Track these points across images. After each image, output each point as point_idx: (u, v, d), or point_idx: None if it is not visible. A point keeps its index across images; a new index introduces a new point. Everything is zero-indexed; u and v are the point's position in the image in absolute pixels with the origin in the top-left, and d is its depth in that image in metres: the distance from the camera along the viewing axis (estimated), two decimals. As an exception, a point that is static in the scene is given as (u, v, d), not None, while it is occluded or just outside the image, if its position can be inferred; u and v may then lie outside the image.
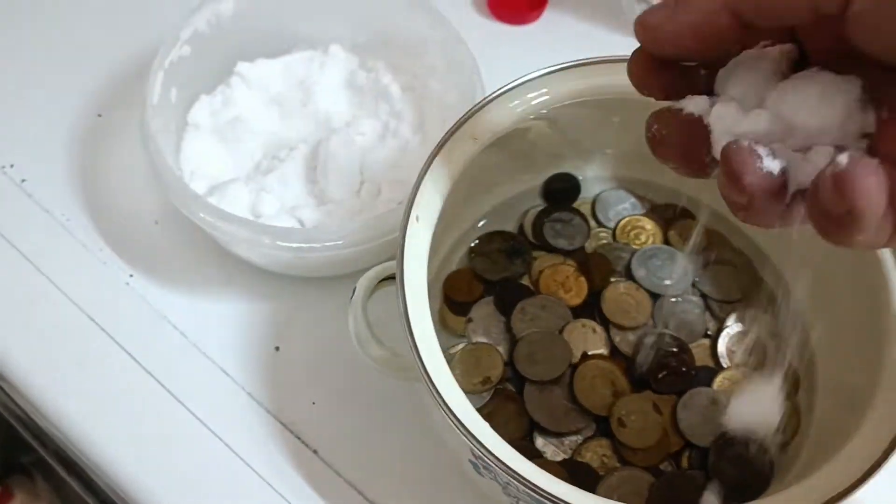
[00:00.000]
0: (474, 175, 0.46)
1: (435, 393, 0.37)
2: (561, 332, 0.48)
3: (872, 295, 0.42)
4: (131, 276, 0.51)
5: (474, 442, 0.36)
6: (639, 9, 0.61)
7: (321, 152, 0.50)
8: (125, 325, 0.50)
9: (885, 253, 0.42)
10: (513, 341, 0.48)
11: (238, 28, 0.53)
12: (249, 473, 0.46)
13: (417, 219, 0.42)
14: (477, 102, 0.44)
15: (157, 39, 0.50)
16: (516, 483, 0.36)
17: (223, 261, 0.51)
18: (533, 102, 0.46)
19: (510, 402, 0.46)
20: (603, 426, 0.46)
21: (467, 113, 0.44)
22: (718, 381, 0.47)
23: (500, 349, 0.48)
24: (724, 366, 0.48)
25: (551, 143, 0.50)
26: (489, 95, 0.44)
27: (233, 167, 0.52)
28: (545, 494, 0.36)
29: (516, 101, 0.45)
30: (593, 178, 0.53)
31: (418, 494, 0.46)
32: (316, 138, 0.52)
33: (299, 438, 0.47)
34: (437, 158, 0.43)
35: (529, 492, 0.36)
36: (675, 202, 0.52)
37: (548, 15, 0.62)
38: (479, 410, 0.46)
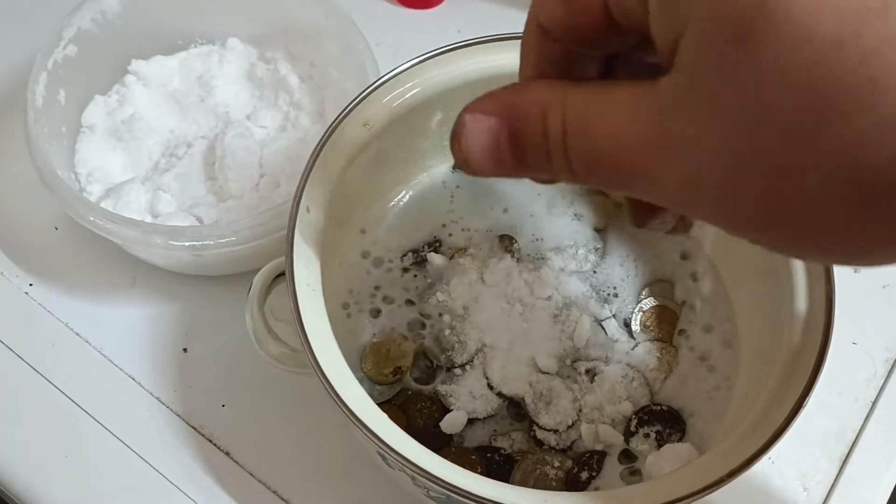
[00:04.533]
0: (386, 155, 0.45)
1: (329, 388, 0.37)
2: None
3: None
4: (31, 284, 0.50)
5: (368, 433, 0.36)
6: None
7: (218, 147, 0.49)
8: (26, 337, 0.48)
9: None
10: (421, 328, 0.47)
11: (128, 25, 0.52)
12: (161, 480, 0.45)
13: (308, 210, 0.41)
14: (366, 87, 0.43)
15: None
16: (417, 475, 0.36)
17: (126, 264, 0.50)
18: (427, 85, 0.45)
19: (423, 388, 0.46)
20: (515, 409, 0.46)
21: (354, 100, 0.43)
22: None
23: (410, 338, 0.47)
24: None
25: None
26: (377, 81, 0.44)
27: (130, 167, 0.51)
28: (445, 485, 0.35)
29: (408, 84, 0.45)
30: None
31: (333, 489, 0.45)
32: (215, 133, 0.51)
33: (211, 441, 0.46)
34: (325, 147, 0.42)
35: (430, 483, 0.36)
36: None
37: (451, -3, 0.62)
38: (394, 400, 0.46)
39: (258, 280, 0.42)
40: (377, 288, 0.48)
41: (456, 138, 0.27)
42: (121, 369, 0.48)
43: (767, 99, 0.19)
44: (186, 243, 0.43)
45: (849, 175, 0.19)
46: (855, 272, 0.54)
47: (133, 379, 0.47)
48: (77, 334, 0.48)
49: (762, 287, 0.44)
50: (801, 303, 0.41)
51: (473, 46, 0.45)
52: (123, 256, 0.50)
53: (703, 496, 0.36)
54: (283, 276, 0.43)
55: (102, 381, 0.47)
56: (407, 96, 0.45)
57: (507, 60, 0.45)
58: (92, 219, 0.44)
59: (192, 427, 0.46)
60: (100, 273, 0.50)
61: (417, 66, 0.44)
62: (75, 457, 0.46)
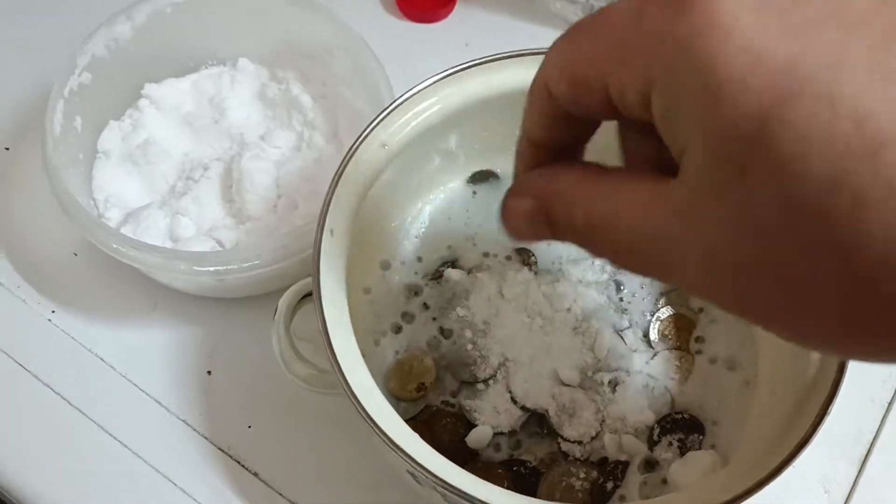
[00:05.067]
0: (404, 174, 0.46)
1: (360, 408, 0.37)
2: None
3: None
4: (53, 311, 0.50)
5: (402, 454, 0.36)
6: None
7: (234, 170, 0.50)
8: (51, 363, 0.49)
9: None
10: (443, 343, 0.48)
11: (140, 50, 0.52)
12: (190, 503, 0.46)
13: (332, 232, 0.42)
14: (383, 109, 0.44)
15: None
16: (448, 493, 0.36)
17: (147, 288, 0.50)
18: (443, 104, 0.46)
19: (448, 405, 0.46)
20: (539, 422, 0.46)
21: (374, 121, 0.44)
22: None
23: (432, 354, 0.47)
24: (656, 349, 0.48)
25: (472, 141, 0.50)
26: (394, 102, 0.44)
27: (147, 192, 0.51)
28: (477, 502, 0.36)
29: (425, 104, 0.45)
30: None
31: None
32: (230, 155, 0.52)
33: (238, 462, 0.47)
34: (346, 169, 0.43)
35: (464, 501, 0.36)
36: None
37: (458, 11, 0.62)
38: (419, 416, 0.46)
39: (283, 302, 0.42)
40: (398, 305, 0.49)
41: (503, 215, 0.30)
42: (146, 393, 0.48)
43: (765, 221, 0.21)
44: (210, 268, 0.44)
45: (848, 301, 0.21)
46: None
47: (159, 403, 0.48)
48: (101, 359, 0.49)
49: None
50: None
51: (488, 64, 0.46)
52: (144, 281, 0.50)
53: (733, 506, 0.36)
54: (309, 296, 0.44)
55: (128, 405, 0.48)
56: (423, 116, 0.45)
57: (521, 77, 0.46)
58: (115, 246, 0.44)
59: (220, 449, 0.47)
60: (121, 298, 0.51)
61: (433, 86, 0.45)
62: (104, 482, 0.46)
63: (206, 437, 0.47)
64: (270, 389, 0.48)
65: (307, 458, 0.47)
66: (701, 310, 0.49)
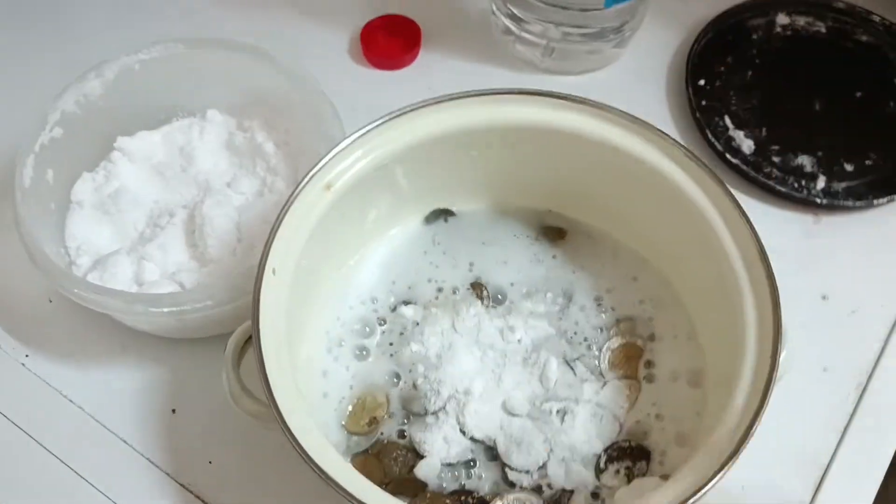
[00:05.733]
0: (355, 213, 0.49)
1: (291, 438, 0.39)
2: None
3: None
4: (27, 356, 0.52)
5: (332, 483, 0.38)
6: (507, 40, 0.63)
7: (197, 216, 0.52)
8: (24, 406, 0.51)
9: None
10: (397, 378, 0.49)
11: (111, 105, 0.55)
12: (153, 538, 0.47)
13: (274, 272, 0.43)
14: (325, 153, 0.46)
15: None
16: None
17: (115, 331, 0.52)
18: (387, 146, 0.48)
19: (399, 437, 0.48)
20: (488, 452, 0.47)
21: (314, 166, 0.46)
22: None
23: (386, 389, 0.49)
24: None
25: (425, 180, 0.51)
26: (337, 145, 0.46)
27: (117, 238, 0.53)
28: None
29: (368, 147, 0.47)
30: (469, 210, 0.55)
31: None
32: (195, 202, 0.54)
33: (199, 498, 0.48)
34: (289, 209, 0.45)
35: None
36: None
37: (422, 57, 0.64)
38: (371, 449, 0.48)
39: (231, 342, 0.44)
40: (353, 341, 0.50)
41: None
42: (113, 433, 0.50)
43: None
44: (166, 309, 0.46)
45: None
46: (823, 299, 0.55)
47: (125, 441, 0.50)
48: (71, 401, 0.51)
49: (717, 307, 0.45)
50: (752, 329, 0.43)
51: (434, 105, 0.48)
52: (113, 325, 0.52)
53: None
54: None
55: (96, 444, 0.50)
56: (370, 157, 0.47)
57: (470, 116, 0.48)
58: (77, 291, 0.46)
59: (181, 485, 0.48)
60: (91, 342, 0.53)
61: (377, 128, 0.47)
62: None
63: (168, 474, 0.49)
64: (231, 427, 0.50)
65: (265, 492, 0.48)
66: (652, 336, 0.50)
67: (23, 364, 0.52)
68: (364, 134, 0.47)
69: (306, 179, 0.45)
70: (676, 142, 0.46)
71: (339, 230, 0.49)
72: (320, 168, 0.46)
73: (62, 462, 0.49)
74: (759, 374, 0.41)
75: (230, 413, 0.49)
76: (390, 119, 0.48)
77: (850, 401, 0.52)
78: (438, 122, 0.48)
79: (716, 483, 0.38)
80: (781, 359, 0.43)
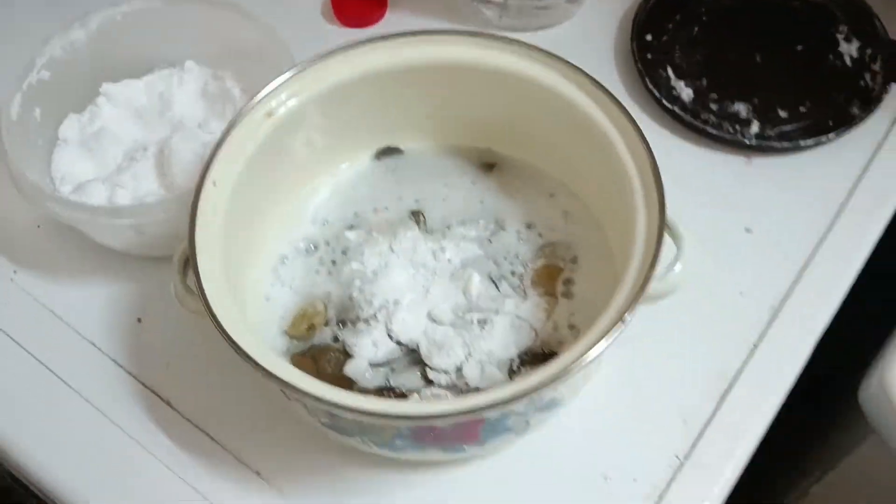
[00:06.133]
0: (303, 146, 0.54)
1: (214, 321, 0.44)
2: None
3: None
4: (15, 272, 0.59)
5: (245, 356, 0.42)
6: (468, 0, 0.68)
7: (166, 148, 0.58)
8: (9, 316, 0.57)
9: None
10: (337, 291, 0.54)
11: (95, 53, 0.61)
12: (114, 429, 0.53)
13: (214, 184, 0.49)
14: (271, 80, 0.51)
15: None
16: (292, 392, 0.42)
17: (93, 252, 0.58)
18: (328, 79, 0.53)
19: (334, 342, 0.52)
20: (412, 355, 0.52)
21: (259, 93, 0.51)
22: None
23: (325, 300, 0.54)
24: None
25: (363, 117, 0.56)
26: (282, 75, 0.51)
27: (97, 171, 0.59)
28: (314, 397, 0.42)
29: (309, 79, 0.52)
30: (416, 148, 0.60)
31: (252, 429, 0.52)
32: (168, 138, 0.60)
33: (155, 393, 0.54)
34: (232, 132, 0.50)
35: (304, 398, 0.42)
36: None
37: (390, 16, 0.69)
38: (308, 351, 0.53)
39: (178, 250, 0.49)
40: (300, 259, 0.55)
41: None
42: (85, 339, 0.56)
43: None
44: (126, 221, 0.51)
45: None
46: (747, 232, 0.59)
47: (95, 345, 0.55)
48: (51, 311, 0.57)
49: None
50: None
51: (370, 44, 0.53)
52: (91, 246, 0.58)
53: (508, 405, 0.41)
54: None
55: (71, 349, 0.55)
56: (307, 91, 0.52)
57: (421, 54, 0.53)
58: (49, 205, 0.52)
59: (141, 382, 0.54)
60: (71, 261, 0.59)
61: (317, 64, 0.52)
62: (48, 414, 0.54)
63: (130, 373, 0.54)
64: (187, 335, 0.55)
65: (213, 390, 0.53)
66: (574, 259, 0.54)
67: (11, 279, 0.58)
68: (305, 69, 0.52)
69: (249, 106, 0.51)
70: (586, 74, 0.50)
71: (286, 159, 0.54)
72: (263, 96, 0.51)
73: (40, 363, 0.55)
74: (640, 274, 0.45)
75: (187, 323, 0.55)
76: (331, 55, 0.53)
77: (763, 322, 0.55)
78: (377, 59, 0.53)
79: (583, 359, 0.41)
80: (676, 271, 0.47)
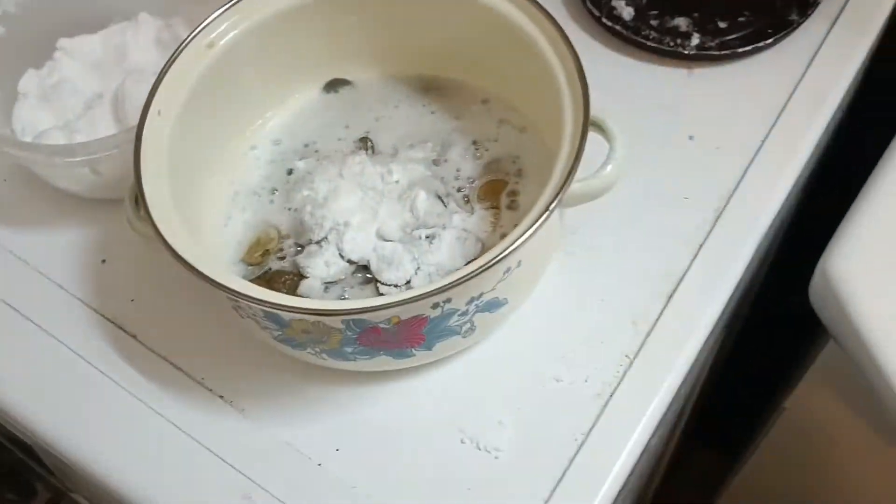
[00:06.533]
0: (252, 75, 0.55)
1: (159, 236, 0.45)
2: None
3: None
4: (-16, 223, 0.61)
5: (177, 258, 0.44)
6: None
7: (119, 92, 0.59)
8: (-20, 264, 0.59)
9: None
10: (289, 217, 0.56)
11: (51, 9, 0.62)
12: (84, 365, 0.55)
13: (159, 113, 0.51)
14: (210, 13, 0.53)
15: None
16: (232, 295, 0.44)
17: (56, 200, 0.60)
18: (266, 9, 0.54)
19: (288, 266, 0.54)
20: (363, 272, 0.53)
21: (199, 24, 0.52)
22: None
23: (278, 227, 0.56)
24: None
25: (307, 47, 0.58)
26: (224, 5, 0.53)
27: (56, 121, 0.61)
28: (253, 299, 0.43)
29: (248, 10, 0.54)
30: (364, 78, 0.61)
31: (215, 357, 0.54)
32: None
33: (121, 328, 0.56)
34: (174, 63, 0.52)
35: (243, 300, 0.44)
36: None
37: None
38: (263, 276, 0.54)
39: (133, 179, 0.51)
40: (253, 190, 0.57)
41: None
42: (52, 281, 0.57)
43: None
44: (79, 158, 0.53)
45: None
46: (690, 139, 0.60)
47: (61, 287, 0.57)
48: (18, 257, 0.59)
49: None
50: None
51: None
52: (55, 195, 0.60)
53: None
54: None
55: (39, 291, 0.57)
56: (247, 21, 0.54)
57: None
58: (6, 150, 0.54)
59: (107, 318, 0.56)
60: (37, 210, 0.60)
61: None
62: (17, 356, 0.56)
63: (96, 311, 0.56)
64: (151, 271, 0.57)
65: (179, 324, 0.55)
66: (518, 173, 0.56)
67: (-22, 229, 0.61)
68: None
69: (189, 37, 0.52)
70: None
71: (233, 91, 0.56)
72: (203, 27, 0.53)
73: (9, 306, 0.57)
74: (566, 169, 0.46)
75: (149, 261, 0.57)
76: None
77: (708, 224, 0.56)
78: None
79: (503, 254, 0.43)
80: (608, 169, 0.48)
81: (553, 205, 0.44)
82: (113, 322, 0.56)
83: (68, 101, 0.62)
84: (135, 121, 0.58)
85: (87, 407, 0.53)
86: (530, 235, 0.44)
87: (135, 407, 0.53)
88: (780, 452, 0.82)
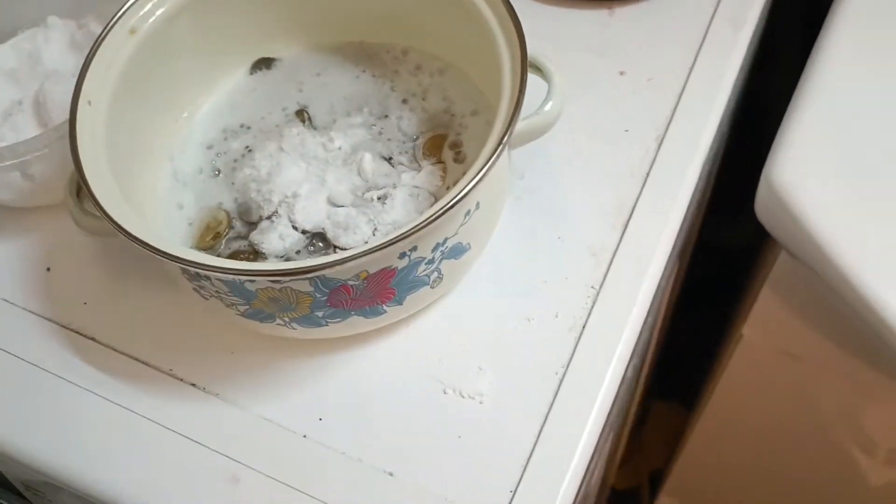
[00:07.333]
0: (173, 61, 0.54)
1: (117, 227, 0.44)
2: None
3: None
4: (-85, 250, 0.58)
5: (133, 238, 0.43)
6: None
7: (40, 95, 0.58)
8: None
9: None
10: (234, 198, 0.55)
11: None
12: (47, 376, 0.53)
13: (89, 103, 0.49)
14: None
15: None
16: (193, 267, 0.43)
17: (-10, 215, 0.58)
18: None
19: (242, 245, 0.53)
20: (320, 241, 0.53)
21: (119, 10, 0.51)
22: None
23: (224, 208, 0.54)
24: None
25: (231, 27, 0.57)
26: (133, -7, 0.52)
27: (-24, 134, 0.59)
28: (214, 268, 0.43)
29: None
30: (289, 55, 0.60)
31: (181, 345, 0.53)
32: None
33: (78, 333, 0.54)
34: (98, 51, 0.50)
35: (204, 270, 0.43)
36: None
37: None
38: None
39: (70, 177, 0.50)
40: (194, 176, 0.56)
41: None
42: (-1, 297, 0.56)
43: None
44: (8, 162, 0.51)
45: None
46: (621, 74, 0.61)
47: (8, 301, 0.55)
48: (-45, 279, 0.57)
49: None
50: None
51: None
52: (-14, 208, 0.58)
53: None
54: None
55: (-17, 310, 0.55)
56: (166, 4, 0.53)
57: None
58: (-70, 164, 0.52)
59: (63, 326, 0.54)
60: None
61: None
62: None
63: (49, 319, 0.54)
64: (98, 271, 0.55)
65: (137, 318, 0.54)
66: (459, 125, 0.56)
67: (-89, 257, 0.58)
68: (159, -19, 0.53)
69: (111, 24, 0.51)
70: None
71: (160, 77, 0.55)
72: (123, 13, 0.52)
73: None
74: (510, 108, 0.46)
75: (95, 263, 0.56)
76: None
77: (651, 152, 0.57)
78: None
79: (461, 193, 0.43)
80: (548, 107, 0.49)
81: (505, 138, 0.44)
82: (68, 328, 0.54)
83: (-14, 113, 0.60)
84: (59, 121, 0.57)
85: (59, 418, 0.52)
86: (486, 171, 0.44)
87: (108, 409, 0.51)
88: (742, 382, 0.84)
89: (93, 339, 0.54)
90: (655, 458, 1.36)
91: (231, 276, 0.43)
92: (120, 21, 0.51)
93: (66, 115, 0.56)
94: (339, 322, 0.48)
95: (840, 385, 0.76)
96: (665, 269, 0.55)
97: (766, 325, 0.75)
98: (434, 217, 0.43)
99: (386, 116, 0.57)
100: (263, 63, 0.60)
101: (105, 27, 0.51)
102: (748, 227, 0.65)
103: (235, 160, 0.56)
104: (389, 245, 0.43)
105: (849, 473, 0.87)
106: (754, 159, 0.62)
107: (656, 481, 1.31)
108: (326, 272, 0.44)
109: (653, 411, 1.35)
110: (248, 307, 0.47)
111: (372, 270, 0.45)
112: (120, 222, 0.44)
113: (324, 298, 0.46)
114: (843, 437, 0.83)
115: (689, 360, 1.11)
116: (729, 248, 0.97)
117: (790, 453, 0.93)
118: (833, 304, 0.61)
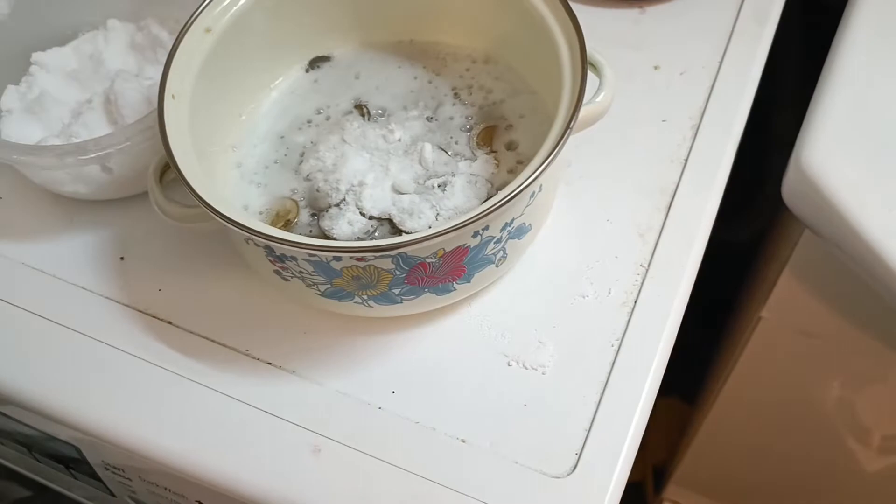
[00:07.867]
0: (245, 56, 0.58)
1: (198, 198, 0.47)
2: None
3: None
4: (-7, 245, 0.61)
5: (218, 215, 0.46)
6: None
7: (110, 93, 0.60)
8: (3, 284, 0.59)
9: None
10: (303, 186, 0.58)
11: (21, 24, 0.63)
12: (130, 358, 0.55)
13: (173, 97, 0.52)
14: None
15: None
16: (281, 245, 0.46)
17: (62, 207, 0.61)
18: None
19: (312, 231, 0.56)
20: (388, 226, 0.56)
21: (196, 10, 0.54)
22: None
23: (293, 197, 0.58)
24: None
25: (292, 24, 0.60)
26: (208, -6, 0.55)
27: (45, 131, 0.61)
28: (307, 246, 0.46)
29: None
30: (343, 53, 0.64)
31: (257, 325, 0.56)
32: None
33: (154, 317, 0.57)
34: (178, 49, 0.53)
35: (293, 249, 0.46)
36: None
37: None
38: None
39: (153, 162, 0.53)
40: (262, 168, 0.59)
41: None
42: (72, 283, 0.58)
43: None
44: (92, 154, 0.54)
45: None
46: (655, 69, 0.65)
47: (84, 288, 0.58)
48: (34, 268, 0.59)
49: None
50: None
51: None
52: (60, 202, 0.61)
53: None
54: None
55: (63, 297, 0.58)
56: (238, 3, 0.56)
57: None
58: (15, 157, 0.55)
59: (138, 310, 0.57)
60: (45, 222, 0.61)
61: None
62: (61, 359, 0.56)
63: (125, 305, 0.57)
64: (173, 261, 0.58)
65: (213, 301, 0.57)
66: (512, 116, 0.59)
67: (-3, 253, 0.61)
68: (228, -16, 0.56)
69: (189, 24, 0.54)
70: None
71: (231, 74, 0.58)
72: (199, 13, 0.55)
73: (39, 316, 0.57)
74: (572, 102, 0.50)
75: (169, 250, 0.58)
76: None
77: (688, 139, 0.61)
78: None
79: (535, 174, 0.46)
80: (600, 98, 0.52)
81: (571, 123, 0.48)
82: (146, 313, 0.57)
83: (53, 111, 0.62)
84: (131, 119, 0.60)
85: (142, 399, 0.54)
86: (555, 155, 0.47)
87: (189, 388, 0.54)
88: (760, 363, 0.88)
89: (169, 322, 0.56)
90: (657, 453, 1.40)
91: (325, 254, 0.46)
92: (197, 20, 0.54)
93: (137, 113, 0.60)
94: (412, 299, 0.52)
95: (856, 362, 0.80)
96: (706, 246, 0.59)
97: (785, 306, 0.79)
98: (509, 197, 0.46)
99: (439, 109, 0.60)
100: (319, 60, 0.63)
101: (184, 25, 0.54)
102: (740, 231, 0.69)
103: (301, 153, 0.59)
104: (466, 224, 0.46)
105: (859, 456, 0.92)
106: (754, 161, 0.66)
107: (659, 475, 1.34)
108: (408, 249, 0.47)
109: (653, 408, 1.39)
110: (329, 286, 0.50)
111: (448, 248, 0.48)
112: (216, 207, 0.47)
113: (402, 276, 0.49)
114: (855, 415, 0.87)
115: (686, 356, 1.15)
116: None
117: (802, 435, 0.97)
118: (856, 282, 0.65)
